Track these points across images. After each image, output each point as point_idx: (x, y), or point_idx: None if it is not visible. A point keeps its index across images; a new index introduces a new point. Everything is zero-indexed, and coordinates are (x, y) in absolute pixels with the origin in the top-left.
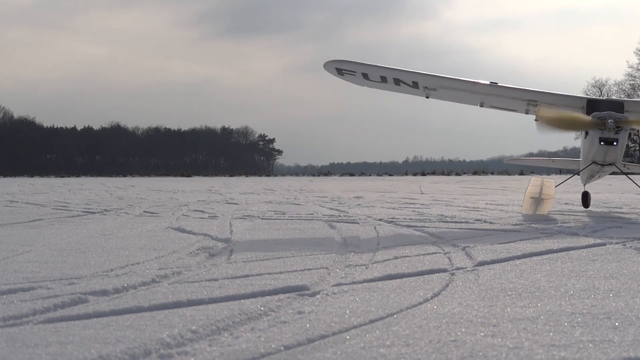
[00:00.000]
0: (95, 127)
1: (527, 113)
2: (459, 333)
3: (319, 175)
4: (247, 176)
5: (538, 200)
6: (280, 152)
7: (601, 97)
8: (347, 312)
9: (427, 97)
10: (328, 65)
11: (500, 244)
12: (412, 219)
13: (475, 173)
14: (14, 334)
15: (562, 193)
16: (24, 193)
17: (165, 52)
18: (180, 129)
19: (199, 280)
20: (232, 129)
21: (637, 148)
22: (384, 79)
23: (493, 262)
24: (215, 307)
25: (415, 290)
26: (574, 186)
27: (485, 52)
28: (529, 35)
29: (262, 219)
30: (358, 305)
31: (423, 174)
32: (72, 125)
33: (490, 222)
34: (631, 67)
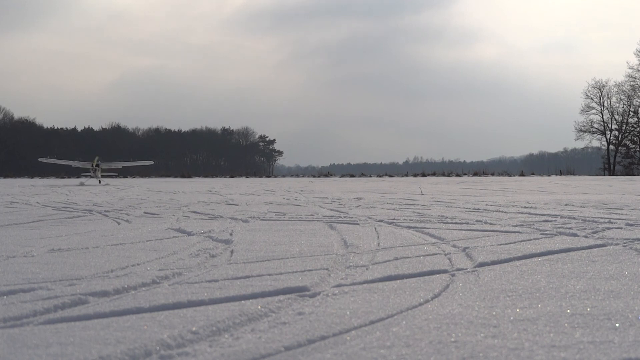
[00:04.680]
0: (96, 128)
1: None
2: (460, 334)
3: (319, 176)
4: (247, 177)
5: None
6: (280, 152)
7: None
8: (348, 313)
9: None
10: None
11: (500, 245)
12: (412, 219)
13: (475, 174)
14: (14, 335)
15: (562, 194)
16: (24, 194)
17: (165, 52)
18: (181, 130)
19: (200, 281)
20: (233, 130)
21: (638, 149)
22: None
23: (493, 263)
24: (216, 308)
25: (416, 291)
26: (574, 187)
27: (487, 46)
28: (531, 32)
29: (262, 220)
30: (358, 306)
31: (423, 175)
32: (72, 127)
33: (491, 223)
34: (631, 68)
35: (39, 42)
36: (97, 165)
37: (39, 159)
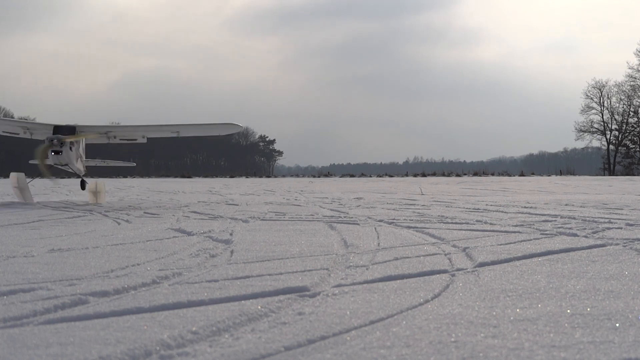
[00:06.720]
0: None
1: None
2: (460, 334)
3: (319, 176)
4: (247, 177)
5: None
6: (280, 153)
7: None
8: (348, 313)
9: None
10: None
11: (500, 245)
12: (412, 220)
13: (475, 174)
14: (14, 335)
15: (562, 194)
16: None
17: (166, 52)
18: None
19: (200, 281)
20: None
21: (638, 149)
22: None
23: (493, 263)
24: (216, 308)
25: (416, 291)
26: (574, 187)
27: (488, 46)
28: (532, 32)
29: (262, 220)
30: (358, 306)
31: (423, 175)
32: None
33: (491, 223)
34: (631, 68)
35: (39, 43)
36: (64, 144)
37: None
